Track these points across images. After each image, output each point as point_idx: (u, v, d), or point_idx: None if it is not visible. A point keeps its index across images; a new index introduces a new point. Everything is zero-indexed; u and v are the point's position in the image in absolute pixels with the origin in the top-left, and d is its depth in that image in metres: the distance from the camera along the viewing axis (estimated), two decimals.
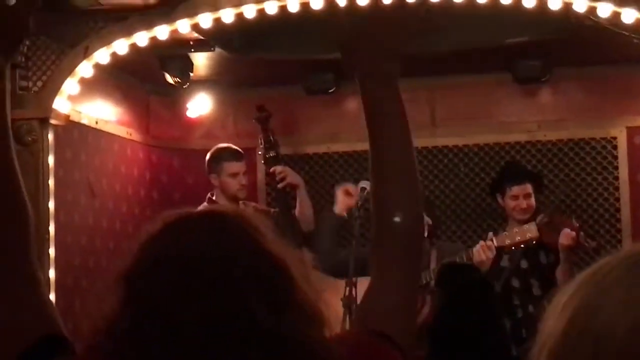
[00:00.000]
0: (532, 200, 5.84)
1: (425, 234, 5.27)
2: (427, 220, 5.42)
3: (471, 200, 6.87)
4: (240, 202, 6.01)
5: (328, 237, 5.76)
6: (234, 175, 5.98)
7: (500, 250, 5.47)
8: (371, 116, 1.84)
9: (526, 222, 5.69)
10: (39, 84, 5.22)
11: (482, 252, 5.35)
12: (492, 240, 5.46)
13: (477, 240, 6.75)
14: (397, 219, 1.68)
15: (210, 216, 1.47)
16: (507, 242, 5.47)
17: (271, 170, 6.23)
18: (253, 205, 6.11)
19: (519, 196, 5.83)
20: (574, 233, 5.50)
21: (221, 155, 6.03)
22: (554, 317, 0.82)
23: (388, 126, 1.81)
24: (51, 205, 5.18)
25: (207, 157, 6.10)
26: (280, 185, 6.12)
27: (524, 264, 5.79)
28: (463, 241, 6.79)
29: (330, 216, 5.86)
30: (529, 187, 5.86)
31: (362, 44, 1.84)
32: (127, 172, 6.58)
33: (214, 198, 5.94)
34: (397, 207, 1.71)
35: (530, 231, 5.46)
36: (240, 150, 6.15)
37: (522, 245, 5.48)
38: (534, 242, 5.49)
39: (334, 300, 5.54)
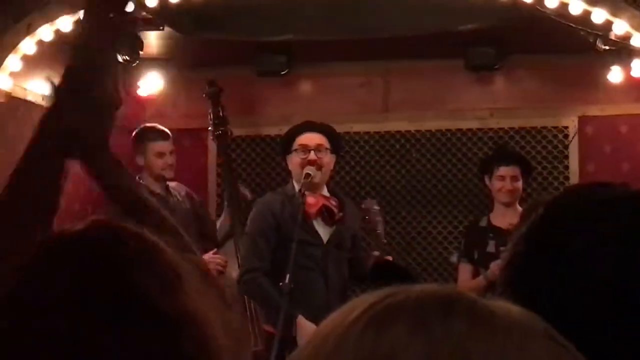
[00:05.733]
0: (519, 184, 5.72)
1: None
2: None
3: (422, 186, 6.85)
4: (172, 184, 5.90)
5: None
6: (160, 154, 5.76)
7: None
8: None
9: (510, 206, 5.64)
10: None
11: None
12: None
13: (427, 226, 6.81)
14: None
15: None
16: None
17: None
18: (186, 191, 6.00)
19: (506, 177, 5.74)
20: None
21: (146, 135, 5.82)
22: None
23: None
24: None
25: (132, 138, 5.88)
26: None
27: None
28: (412, 227, 6.79)
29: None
30: (516, 170, 5.75)
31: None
32: None
33: (142, 182, 5.73)
34: None
35: None
36: (166, 130, 5.91)
37: None
38: None
39: None
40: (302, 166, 5.06)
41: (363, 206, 5.40)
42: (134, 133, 5.92)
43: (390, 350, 0.68)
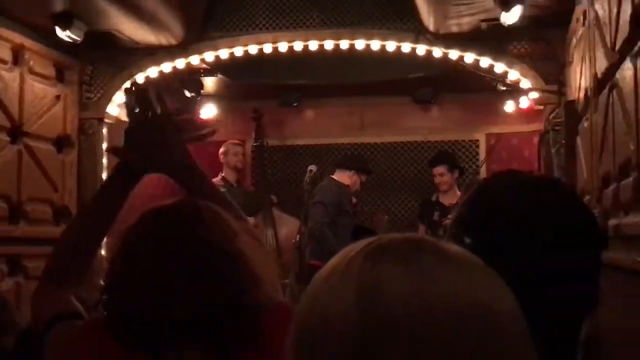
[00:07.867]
0: (445, 177, 5.56)
1: None
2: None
3: (388, 177, 6.82)
4: (236, 183, 5.97)
5: None
6: (236, 154, 5.96)
7: None
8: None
9: (447, 191, 5.55)
10: (98, 95, 5.13)
11: None
12: None
13: (391, 207, 6.76)
14: None
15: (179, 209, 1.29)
16: None
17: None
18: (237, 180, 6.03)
19: (436, 175, 5.65)
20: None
21: (229, 144, 6.05)
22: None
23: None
24: (104, 177, 5.09)
25: (223, 147, 6.04)
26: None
27: None
28: (385, 207, 6.75)
29: None
30: (441, 169, 5.58)
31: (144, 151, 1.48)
32: None
33: (223, 174, 5.91)
34: None
35: None
36: (240, 142, 6.15)
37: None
38: None
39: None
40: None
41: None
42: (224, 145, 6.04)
43: (381, 275, 0.66)
